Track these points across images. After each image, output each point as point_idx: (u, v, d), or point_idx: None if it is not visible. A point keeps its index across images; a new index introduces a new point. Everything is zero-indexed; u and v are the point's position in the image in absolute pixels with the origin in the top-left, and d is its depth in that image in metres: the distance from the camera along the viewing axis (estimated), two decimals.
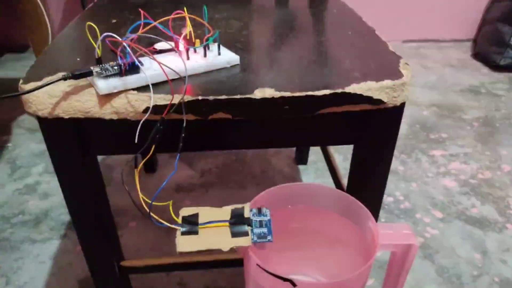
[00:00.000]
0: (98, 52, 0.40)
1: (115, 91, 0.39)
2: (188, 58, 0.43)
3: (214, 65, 0.44)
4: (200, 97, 0.39)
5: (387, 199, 0.95)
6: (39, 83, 0.39)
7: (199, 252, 0.38)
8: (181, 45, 0.44)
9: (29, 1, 1.11)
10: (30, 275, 0.76)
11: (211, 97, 0.39)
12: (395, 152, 1.11)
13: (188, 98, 0.39)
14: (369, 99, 0.41)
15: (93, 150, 0.44)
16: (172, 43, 0.44)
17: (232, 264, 0.61)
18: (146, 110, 0.39)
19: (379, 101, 0.41)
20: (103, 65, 0.40)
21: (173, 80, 0.40)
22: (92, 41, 0.42)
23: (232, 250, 0.39)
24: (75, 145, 0.43)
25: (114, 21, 0.58)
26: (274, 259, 0.47)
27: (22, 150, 1.13)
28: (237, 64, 0.45)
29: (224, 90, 0.40)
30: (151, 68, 0.40)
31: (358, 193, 0.47)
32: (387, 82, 0.41)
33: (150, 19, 0.44)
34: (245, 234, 0.39)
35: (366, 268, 0.38)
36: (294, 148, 1.11)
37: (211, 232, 0.40)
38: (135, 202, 0.38)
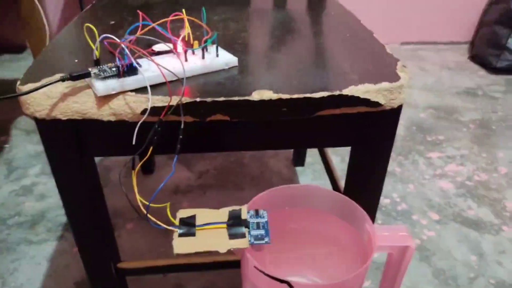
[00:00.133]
0: (96, 53, 0.40)
1: (113, 92, 0.39)
2: (186, 60, 0.43)
3: (212, 67, 0.44)
4: (198, 99, 0.39)
5: (384, 200, 0.95)
6: (37, 84, 0.39)
7: (196, 254, 0.38)
8: (179, 47, 0.44)
9: (27, 2, 1.11)
10: (27, 276, 0.76)
11: (209, 99, 0.39)
12: (392, 154, 1.11)
13: (186, 99, 0.39)
14: (366, 102, 0.41)
15: (90, 151, 0.44)
16: (171, 45, 0.44)
17: (229, 266, 0.61)
18: (144, 111, 0.39)
19: (377, 104, 0.42)
20: (101, 66, 0.40)
21: (171, 81, 0.40)
22: (90, 43, 0.42)
23: (229, 252, 0.39)
24: (73, 146, 0.43)
25: (112, 22, 0.58)
26: (271, 261, 0.47)
27: (19, 151, 1.12)
28: (235, 66, 0.45)
29: (222, 92, 0.40)
30: (149, 70, 0.40)
31: (355, 194, 0.47)
32: (384, 85, 0.41)
33: (149, 20, 0.44)
34: (243, 236, 0.39)
35: (362, 269, 0.38)
36: (292, 150, 1.11)
37: (209, 234, 0.40)
38: (132, 204, 0.38)
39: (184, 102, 0.39)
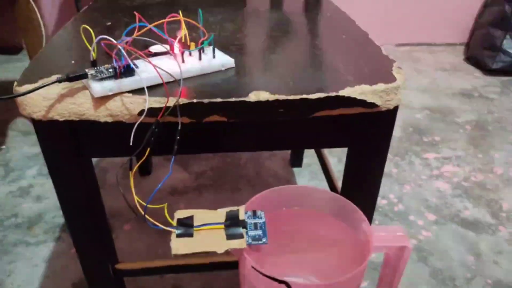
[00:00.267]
0: (93, 54, 0.40)
1: (110, 93, 0.39)
2: (183, 61, 0.44)
3: (209, 68, 0.44)
4: (195, 100, 0.39)
5: (381, 201, 0.95)
6: (34, 86, 0.39)
7: (194, 255, 0.38)
8: (176, 48, 0.44)
9: (23, 3, 1.11)
10: (24, 278, 0.76)
11: (206, 100, 0.39)
12: (389, 155, 1.11)
13: (183, 101, 0.39)
14: (362, 103, 0.41)
15: (87, 152, 0.44)
16: (167, 46, 0.44)
17: (227, 266, 0.61)
18: (141, 112, 0.39)
19: (373, 105, 0.42)
20: (98, 67, 0.40)
21: (168, 83, 0.41)
22: (87, 44, 0.42)
23: (227, 252, 0.39)
24: (70, 147, 0.43)
25: (108, 23, 0.58)
26: (269, 261, 0.47)
27: (16, 153, 1.12)
28: (232, 67, 0.45)
29: (219, 93, 0.40)
30: (146, 71, 0.41)
31: (352, 195, 0.47)
32: (380, 86, 0.42)
33: (145, 21, 0.44)
34: (240, 236, 0.40)
35: (360, 270, 0.38)
36: (289, 151, 1.11)
37: (206, 234, 0.40)
38: (130, 205, 0.39)
39: (181, 103, 0.39)
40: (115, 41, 0.39)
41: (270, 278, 0.37)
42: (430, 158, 1.11)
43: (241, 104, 0.40)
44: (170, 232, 0.40)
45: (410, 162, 1.10)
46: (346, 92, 0.41)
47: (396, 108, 0.44)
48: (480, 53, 1.65)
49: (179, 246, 0.39)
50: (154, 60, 0.42)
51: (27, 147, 1.14)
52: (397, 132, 1.23)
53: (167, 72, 0.40)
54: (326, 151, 0.95)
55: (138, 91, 0.40)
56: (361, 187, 0.50)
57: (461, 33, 1.87)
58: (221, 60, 0.45)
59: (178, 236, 0.39)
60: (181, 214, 0.42)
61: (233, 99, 0.40)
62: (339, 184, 0.76)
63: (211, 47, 0.45)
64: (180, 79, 0.41)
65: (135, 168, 0.39)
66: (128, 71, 0.40)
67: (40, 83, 0.40)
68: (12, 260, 0.79)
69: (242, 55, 0.49)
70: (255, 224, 0.41)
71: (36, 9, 1.13)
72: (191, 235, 0.40)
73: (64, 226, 0.87)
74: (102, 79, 0.39)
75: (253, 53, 0.50)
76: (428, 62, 1.73)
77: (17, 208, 0.92)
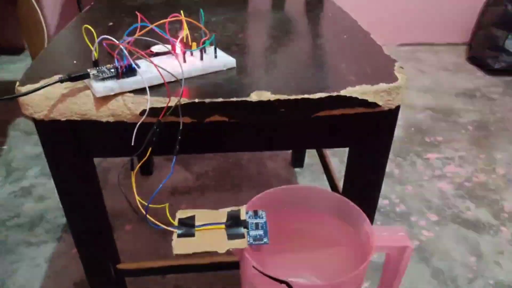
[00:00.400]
0: (95, 54, 0.40)
1: (112, 93, 0.39)
2: (184, 61, 0.44)
3: (211, 68, 0.44)
4: (196, 100, 0.39)
5: (382, 202, 0.95)
6: (36, 86, 0.39)
7: (195, 255, 0.38)
8: (178, 48, 0.44)
9: (25, 3, 1.11)
10: (26, 278, 0.76)
11: (207, 100, 0.39)
12: (391, 155, 1.11)
13: (184, 100, 0.39)
14: (364, 102, 0.41)
15: (89, 152, 0.44)
16: (169, 46, 0.44)
17: (228, 266, 0.61)
18: (142, 112, 0.39)
19: (374, 104, 0.42)
20: (100, 67, 0.40)
21: (169, 82, 0.41)
22: (89, 44, 0.42)
23: (228, 252, 0.39)
24: (72, 147, 0.43)
25: (110, 23, 0.58)
26: (270, 261, 0.47)
27: (18, 153, 1.12)
28: (234, 67, 0.45)
29: (220, 93, 0.40)
30: (148, 71, 0.41)
31: (354, 195, 0.47)
32: (382, 86, 0.41)
33: (147, 22, 0.44)
34: (241, 236, 0.40)
35: (361, 270, 0.38)
36: (290, 151, 1.11)
37: (208, 234, 0.40)
38: (131, 205, 0.39)
39: (183, 103, 0.39)
40: (117, 41, 0.39)
41: (271, 278, 0.37)
42: (432, 159, 1.11)
43: (243, 104, 0.40)
44: (171, 232, 0.40)
45: (412, 162, 1.09)
46: (348, 92, 0.41)
47: (397, 108, 0.44)
48: (483, 53, 1.65)
49: (181, 246, 0.39)
50: (155, 60, 0.42)
51: (29, 147, 1.14)
52: (399, 132, 1.23)
53: (169, 72, 0.40)
54: (327, 151, 0.95)
55: (140, 91, 0.40)
56: (363, 187, 0.50)
57: (464, 33, 1.87)
58: (222, 60, 0.45)
59: (179, 236, 0.39)
60: (182, 214, 0.42)
61: (234, 99, 0.40)
62: (340, 184, 0.75)
63: (212, 47, 0.45)
64: (181, 79, 0.41)
65: (137, 168, 0.39)
66: (130, 71, 0.40)
67: (42, 83, 0.40)
68: (14, 260, 0.80)
69: (243, 55, 0.49)
70: (256, 224, 0.41)
71: (38, 10, 1.13)
72: (192, 235, 0.40)
73: (65, 226, 0.88)
74: (104, 79, 0.39)
75: (255, 53, 0.50)
76: (430, 62, 1.73)
77: (19, 208, 0.92)
